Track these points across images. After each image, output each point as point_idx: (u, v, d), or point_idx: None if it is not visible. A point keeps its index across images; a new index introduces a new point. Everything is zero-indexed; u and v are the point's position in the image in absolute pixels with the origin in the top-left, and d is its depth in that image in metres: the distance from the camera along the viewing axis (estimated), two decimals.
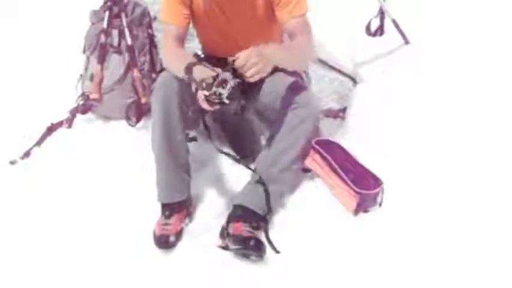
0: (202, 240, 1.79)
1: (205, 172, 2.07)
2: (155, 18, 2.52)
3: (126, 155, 2.17)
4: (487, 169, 1.91)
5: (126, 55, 2.34)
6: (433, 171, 1.92)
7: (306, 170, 1.96)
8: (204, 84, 1.51)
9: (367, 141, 2.06)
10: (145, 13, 2.45)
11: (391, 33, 2.73)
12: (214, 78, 1.51)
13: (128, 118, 2.34)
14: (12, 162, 2.22)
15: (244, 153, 2.09)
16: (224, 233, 1.73)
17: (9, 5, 3.52)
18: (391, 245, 1.68)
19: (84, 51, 2.41)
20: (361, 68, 2.59)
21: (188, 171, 1.89)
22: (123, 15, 2.36)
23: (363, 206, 1.80)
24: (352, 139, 2.10)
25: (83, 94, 2.38)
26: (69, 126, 2.37)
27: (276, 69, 1.69)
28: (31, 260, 1.76)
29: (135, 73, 2.34)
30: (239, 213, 1.76)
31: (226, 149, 2.10)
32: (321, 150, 1.89)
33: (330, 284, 1.60)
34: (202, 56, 1.99)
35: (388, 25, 2.74)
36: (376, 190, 1.81)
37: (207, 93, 1.51)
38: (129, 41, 2.34)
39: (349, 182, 1.80)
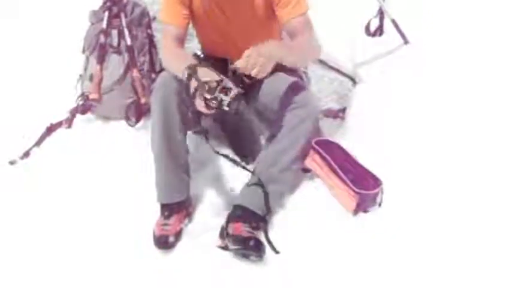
0: (201, 240, 1.79)
1: (205, 172, 2.07)
2: (154, 18, 2.52)
3: (126, 155, 2.17)
4: (487, 169, 1.91)
5: (126, 55, 2.34)
6: (432, 171, 1.92)
7: (306, 170, 1.96)
8: (207, 87, 1.50)
9: (366, 141, 2.06)
10: (144, 13, 2.45)
11: (390, 33, 2.73)
12: (218, 82, 1.50)
13: (127, 118, 2.34)
14: (11, 162, 2.23)
15: (244, 153, 2.09)
16: (224, 233, 1.73)
17: (9, 5, 3.51)
18: (390, 245, 1.68)
19: (83, 52, 2.41)
20: (360, 68, 2.59)
21: (187, 172, 1.89)
22: (122, 15, 2.36)
23: (362, 206, 1.80)
24: (351, 139, 2.10)
25: (82, 94, 2.38)
26: (69, 126, 2.37)
27: (275, 70, 1.69)
28: (31, 260, 1.76)
29: (135, 73, 2.34)
30: (239, 213, 1.76)
31: (226, 149, 2.10)
32: (321, 151, 1.89)
33: (330, 284, 1.60)
34: (202, 56, 1.99)
35: (387, 25, 2.74)
36: (376, 190, 1.81)
37: (208, 96, 1.49)
38: (129, 41, 2.34)
39: (348, 182, 1.80)
